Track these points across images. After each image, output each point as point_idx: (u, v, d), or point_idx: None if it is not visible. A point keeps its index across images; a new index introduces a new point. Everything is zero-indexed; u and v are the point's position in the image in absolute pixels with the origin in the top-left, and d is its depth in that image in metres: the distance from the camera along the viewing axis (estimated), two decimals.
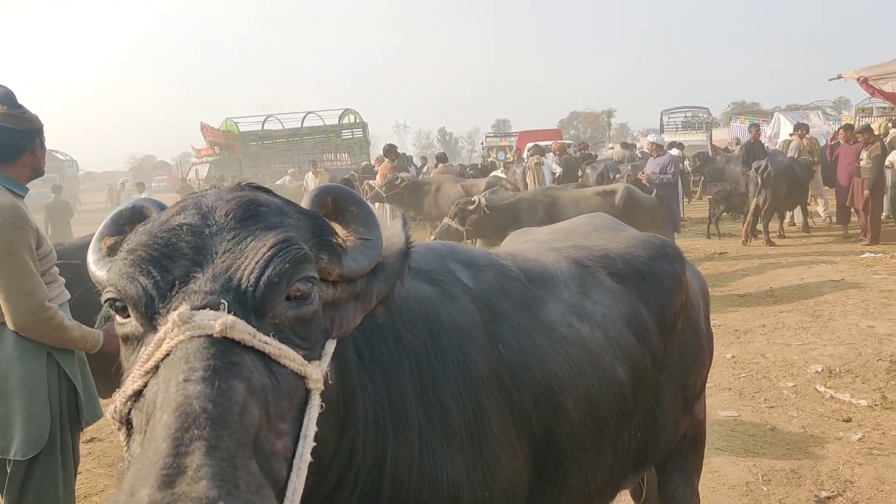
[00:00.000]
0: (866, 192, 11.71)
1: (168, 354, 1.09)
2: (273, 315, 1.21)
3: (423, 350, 1.75)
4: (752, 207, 12.86)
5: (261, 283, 1.18)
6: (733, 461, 4.55)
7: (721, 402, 5.54)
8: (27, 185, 3.26)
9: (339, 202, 1.55)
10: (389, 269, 1.54)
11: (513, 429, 1.87)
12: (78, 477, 4.71)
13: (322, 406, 1.24)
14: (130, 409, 1.14)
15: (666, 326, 2.52)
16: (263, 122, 32.19)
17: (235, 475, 0.91)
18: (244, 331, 1.12)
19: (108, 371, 1.67)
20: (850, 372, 6.05)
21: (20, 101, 3.19)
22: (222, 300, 1.14)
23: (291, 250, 1.23)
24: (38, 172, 3.28)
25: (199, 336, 1.09)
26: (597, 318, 2.25)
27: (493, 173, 16.40)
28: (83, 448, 5.27)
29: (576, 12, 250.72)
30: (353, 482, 1.54)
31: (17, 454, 3.03)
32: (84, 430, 3.56)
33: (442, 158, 16.95)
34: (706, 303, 2.93)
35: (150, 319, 1.18)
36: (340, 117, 33.07)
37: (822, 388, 5.69)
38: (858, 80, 11.94)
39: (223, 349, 1.09)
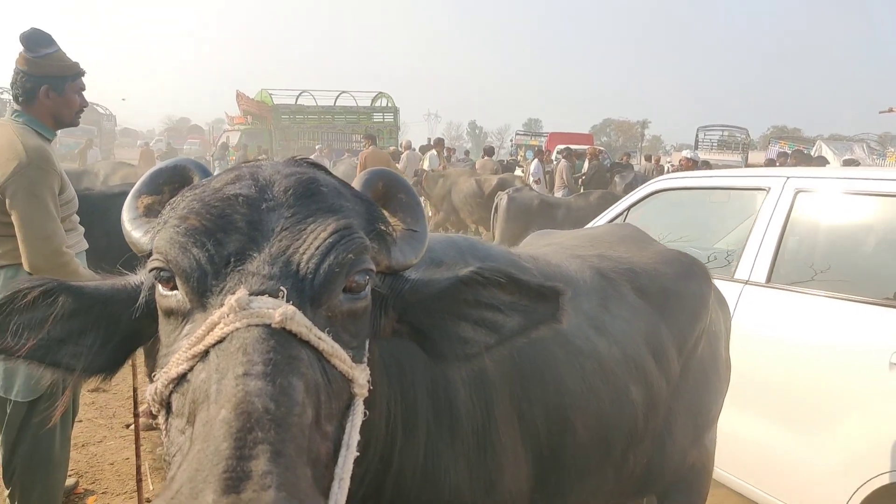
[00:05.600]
0: None
1: (221, 341, 1.01)
2: (328, 307, 1.14)
3: None
4: None
5: (321, 271, 1.10)
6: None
7: None
8: (56, 132, 3.30)
9: (390, 188, 1.48)
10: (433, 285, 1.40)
11: (520, 439, 1.81)
12: (79, 425, 4.80)
13: (365, 413, 1.16)
14: (171, 392, 1.07)
15: (685, 349, 2.43)
16: (297, 97, 32.27)
17: (298, 485, 0.85)
18: (302, 324, 1.04)
19: None
20: None
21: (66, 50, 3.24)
22: (282, 287, 1.06)
23: (354, 239, 1.16)
24: (59, 120, 3.29)
25: (257, 325, 1.01)
26: (615, 334, 2.17)
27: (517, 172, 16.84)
28: (87, 397, 5.31)
29: (614, 19, 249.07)
30: (360, 482, 1.45)
31: (18, 395, 3.09)
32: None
33: (489, 152, 17.23)
34: (728, 329, 2.83)
35: (201, 296, 1.09)
36: (373, 100, 33.06)
37: None
38: None
39: (281, 342, 1.01)
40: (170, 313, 1.16)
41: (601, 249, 2.56)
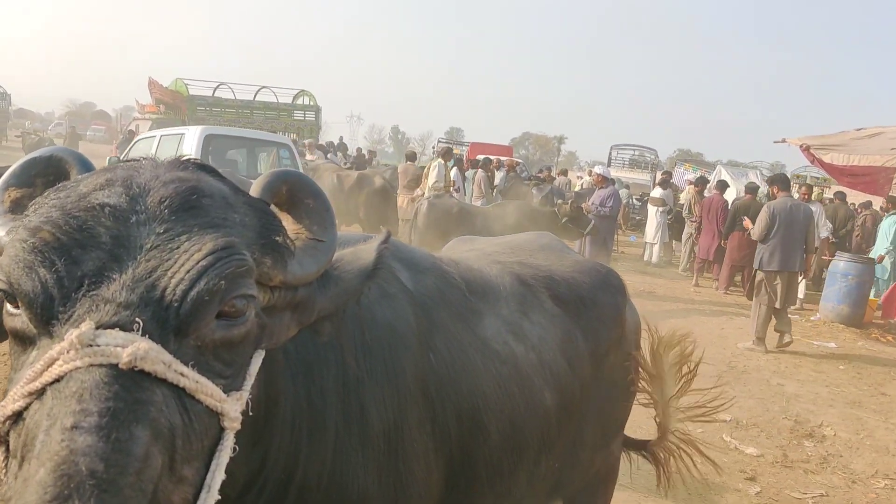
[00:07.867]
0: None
1: (59, 379, 0.89)
2: (197, 336, 1.02)
3: (350, 348, 1.61)
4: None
5: (188, 298, 0.99)
6: (637, 500, 4.56)
7: None
8: None
9: (295, 192, 1.36)
10: (343, 286, 1.34)
11: (431, 443, 1.77)
12: None
13: (235, 449, 1.05)
14: (9, 430, 0.94)
15: (598, 357, 2.47)
16: (215, 89, 31.18)
17: None
18: (158, 360, 0.93)
19: None
20: (756, 426, 6.21)
21: None
22: (137, 318, 0.94)
23: (232, 261, 1.04)
24: None
25: (101, 365, 0.89)
26: (532, 340, 2.18)
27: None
28: None
29: (537, 34, 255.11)
30: (259, 492, 1.38)
31: None
32: None
33: (411, 157, 16.81)
34: (638, 340, 2.91)
35: (46, 323, 0.96)
36: (295, 97, 32.37)
37: (728, 438, 5.81)
38: (801, 146, 12.42)
39: (128, 384, 0.90)
40: (16, 335, 1.03)
41: (521, 257, 2.57)
